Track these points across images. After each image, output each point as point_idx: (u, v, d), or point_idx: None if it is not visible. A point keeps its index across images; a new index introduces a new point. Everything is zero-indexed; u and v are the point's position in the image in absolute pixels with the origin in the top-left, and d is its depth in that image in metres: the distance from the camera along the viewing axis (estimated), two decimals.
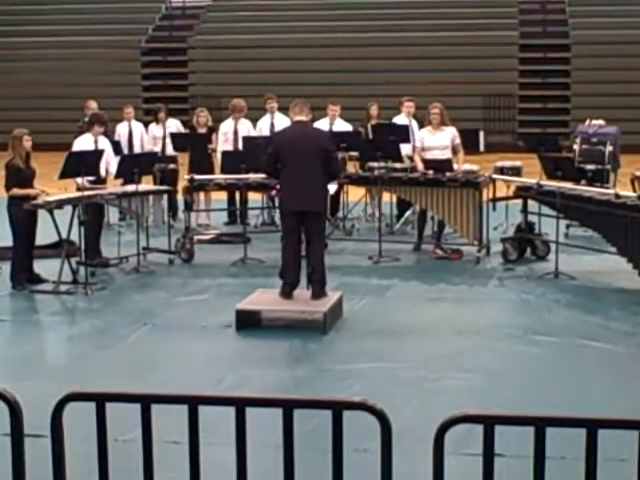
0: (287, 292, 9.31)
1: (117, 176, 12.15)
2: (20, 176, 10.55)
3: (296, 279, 9.38)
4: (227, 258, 12.12)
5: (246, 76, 25.86)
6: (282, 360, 8.39)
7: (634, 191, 11.90)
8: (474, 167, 12.75)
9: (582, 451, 3.29)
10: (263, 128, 14.68)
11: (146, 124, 15.49)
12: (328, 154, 9.40)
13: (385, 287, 10.74)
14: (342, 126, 14.24)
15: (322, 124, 13.86)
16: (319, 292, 9.29)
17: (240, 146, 14.27)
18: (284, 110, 12.05)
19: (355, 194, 14.37)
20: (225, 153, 13.72)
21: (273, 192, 12.09)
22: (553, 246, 11.45)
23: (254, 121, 14.85)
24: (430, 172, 12.19)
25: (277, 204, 11.43)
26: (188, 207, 12.81)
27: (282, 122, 14.12)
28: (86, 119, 13.71)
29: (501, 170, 13.35)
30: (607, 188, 12.10)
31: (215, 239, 13.50)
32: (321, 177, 9.45)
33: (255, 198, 13.89)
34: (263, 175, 12.06)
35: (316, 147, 9.32)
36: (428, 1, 27.98)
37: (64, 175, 10.87)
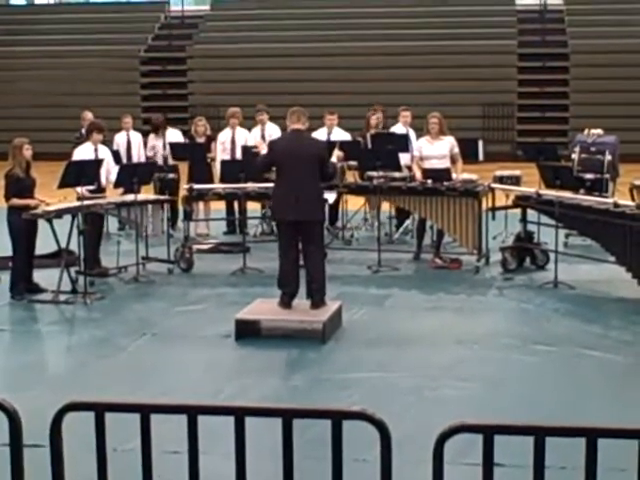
0: (286, 302, 9.30)
1: (116, 185, 12.15)
2: (20, 186, 10.54)
3: (294, 288, 9.36)
4: (226, 268, 12.12)
5: (245, 85, 25.88)
6: (281, 370, 8.39)
7: (633, 200, 11.90)
8: (473, 176, 12.76)
9: (582, 461, 3.29)
10: (255, 139, 14.65)
11: (145, 134, 15.49)
12: (324, 162, 9.41)
13: (384, 296, 10.74)
14: (340, 135, 14.23)
15: (320, 133, 13.88)
16: (318, 302, 9.28)
17: (238, 155, 14.29)
18: (281, 120, 12.04)
19: (354, 203, 14.37)
20: (224, 162, 13.73)
21: None
22: (552, 255, 11.45)
23: (251, 131, 14.87)
24: (429, 181, 12.20)
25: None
26: (187, 217, 12.82)
27: (273, 133, 14.11)
28: (83, 130, 13.71)
29: (500, 179, 13.36)
30: (606, 197, 12.09)
31: (214, 249, 13.50)
32: (318, 186, 9.44)
33: (254, 207, 13.89)
34: (262, 184, 12.11)
35: (313, 156, 9.30)
36: (426, 10, 28.00)
37: (63, 185, 10.87)
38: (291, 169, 9.21)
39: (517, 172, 13.84)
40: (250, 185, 12.55)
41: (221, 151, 14.50)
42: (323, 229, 10.09)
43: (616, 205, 10.58)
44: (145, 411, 3.53)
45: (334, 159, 11.28)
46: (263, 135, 14.39)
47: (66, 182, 10.87)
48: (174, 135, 14.97)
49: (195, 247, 12.86)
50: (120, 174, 11.81)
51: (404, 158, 13.09)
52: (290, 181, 9.20)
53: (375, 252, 12.17)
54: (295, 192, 9.13)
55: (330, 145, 12.81)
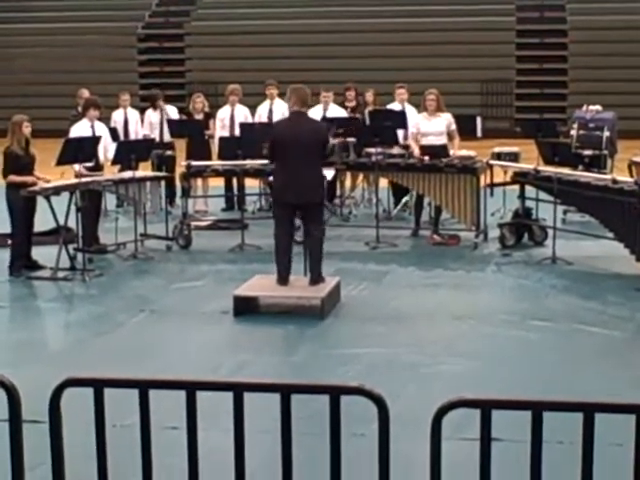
0: (283, 277, 9.28)
1: (114, 162, 12.14)
2: (18, 163, 10.51)
3: (289, 266, 9.34)
4: (224, 244, 12.12)
5: (243, 62, 25.82)
6: (280, 346, 8.40)
7: (631, 176, 11.88)
8: (471, 153, 12.74)
9: (579, 435, 3.30)
10: (262, 114, 14.66)
11: (142, 110, 15.46)
12: (325, 145, 9.41)
13: (382, 273, 10.74)
14: (336, 112, 14.19)
15: (316, 110, 13.83)
16: (317, 278, 9.29)
17: (237, 132, 14.25)
18: (283, 96, 12.06)
19: (353, 180, 14.37)
20: (222, 139, 13.71)
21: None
22: (550, 231, 11.45)
23: (252, 107, 14.83)
24: (426, 158, 12.18)
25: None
26: (185, 193, 12.80)
27: (281, 108, 14.12)
28: (79, 108, 13.68)
29: (498, 156, 13.33)
30: (604, 173, 12.10)
31: (212, 225, 13.49)
32: (319, 168, 9.43)
33: (252, 184, 13.88)
34: (260, 161, 12.10)
35: (314, 139, 9.25)
36: None
37: (61, 162, 10.85)
38: (292, 152, 9.16)
39: (515, 149, 13.82)
40: (248, 162, 12.53)
41: (220, 128, 14.48)
42: (323, 208, 10.10)
43: (614, 181, 10.58)
44: (144, 387, 3.54)
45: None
46: (271, 109, 14.39)
47: (64, 159, 10.85)
48: (170, 112, 14.92)
49: (193, 224, 12.85)
50: (118, 151, 11.80)
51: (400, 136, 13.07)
52: (291, 164, 9.16)
53: (373, 228, 12.17)
54: (296, 175, 9.09)
55: (327, 122, 12.83)
